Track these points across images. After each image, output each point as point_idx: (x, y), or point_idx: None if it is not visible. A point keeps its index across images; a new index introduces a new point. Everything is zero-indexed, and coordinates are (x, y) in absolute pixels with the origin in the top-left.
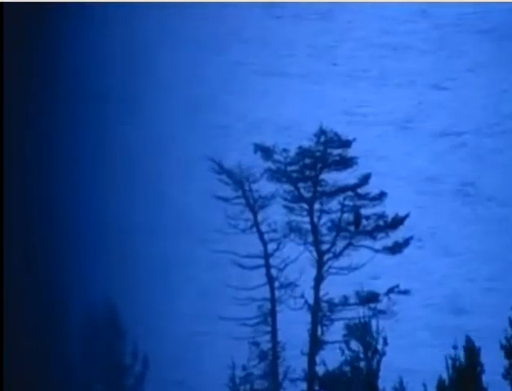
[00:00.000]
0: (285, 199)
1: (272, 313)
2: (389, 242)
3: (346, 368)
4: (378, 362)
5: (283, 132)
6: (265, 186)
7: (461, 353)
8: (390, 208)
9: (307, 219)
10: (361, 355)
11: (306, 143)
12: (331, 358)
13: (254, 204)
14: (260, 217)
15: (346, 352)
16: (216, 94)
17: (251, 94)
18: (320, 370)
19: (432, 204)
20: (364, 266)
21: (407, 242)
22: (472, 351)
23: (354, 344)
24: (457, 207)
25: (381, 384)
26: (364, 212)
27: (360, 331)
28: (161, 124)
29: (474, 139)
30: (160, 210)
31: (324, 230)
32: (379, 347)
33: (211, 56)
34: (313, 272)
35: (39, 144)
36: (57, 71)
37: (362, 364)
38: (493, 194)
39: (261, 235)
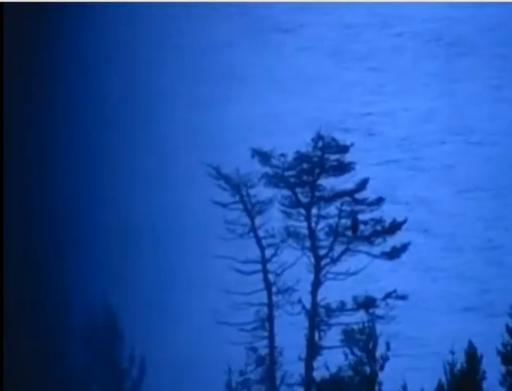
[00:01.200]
0: (283, 205)
1: (270, 318)
2: (386, 247)
3: (345, 373)
4: (382, 367)
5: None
6: (262, 192)
7: (460, 358)
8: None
9: (305, 224)
10: (364, 360)
11: (303, 148)
12: (329, 363)
13: (252, 210)
14: (258, 222)
15: (350, 356)
16: (214, 97)
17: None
18: (317, 375)
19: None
20: (362, 271)
21: (404, 247)
22: (473, 356)
23: (355, 349)
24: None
25: (385, 388)
26: (361, 217)
27: (359, 337)
28: (160, 126)
29: (436, 149)
30: (158, 215)
31: (321, 235)
32: (380, 352)
33: (212, 59)
34: (310, 277)
35: (39, 144)
36: (57, 71)
37: (363, 369)
38: (447, 209)
39: (258, 240)
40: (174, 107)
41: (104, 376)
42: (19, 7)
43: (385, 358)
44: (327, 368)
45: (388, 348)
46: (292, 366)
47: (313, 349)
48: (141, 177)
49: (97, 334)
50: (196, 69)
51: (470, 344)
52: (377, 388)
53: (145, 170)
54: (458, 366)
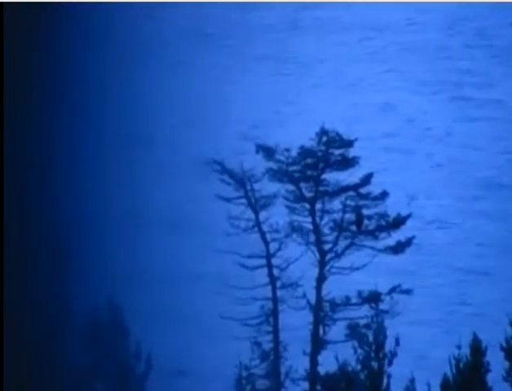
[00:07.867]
0: (287, 199)
1: (274, 313)
2: (391, 242)
3: (349, 368)
4: (390, 362)
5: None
6: (267, 186)
7: (466, 352)
8: None
9: (309, 219)
10: (372, 355)
11: (307, 143)
12: (334, 358)
13: (256, 204)
14: (262, 217)
15: (359, 351)
16: (218, 93)
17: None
18: (322, 369)
19: None
20: (366, 266)
21: (409, 241)
22: (478, 350)
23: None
24: None
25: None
26: (365, 212)
27: (365, 331)
28: (162, 123)
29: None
30: (162, 211)
31: (326, 230)
32: (386, 348)
33: (212, 56)
34: (315, 272)
35: (39, 144)
36: (57, 70)
37: (371, 364)
38: None
39: (263, 234)
40: (176, 103)
41: (110, 373)
42: (19, 7)
43: (394, 354)
44: (336, 359)
45: (397, 343)
46: (296, 360)
47: (318, 344)
48: (144, 173)
49: (102, 331)
50: (198, 67)
51: (475, 337)
52: (385, 381)
53: (148, 166)
54: (463, 360)
